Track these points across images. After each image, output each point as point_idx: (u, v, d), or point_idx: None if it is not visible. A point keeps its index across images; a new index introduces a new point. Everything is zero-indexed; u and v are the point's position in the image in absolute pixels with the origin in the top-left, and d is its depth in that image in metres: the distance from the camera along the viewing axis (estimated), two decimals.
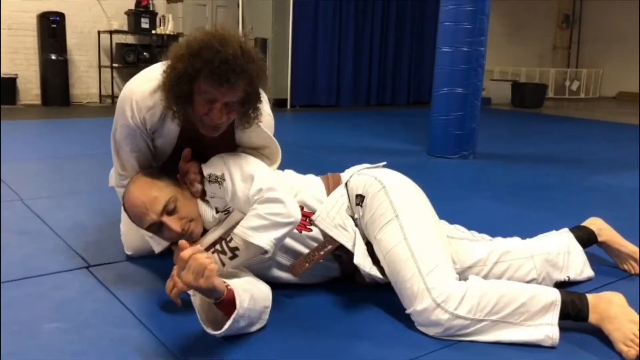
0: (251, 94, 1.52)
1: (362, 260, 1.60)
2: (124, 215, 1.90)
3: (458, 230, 1.80)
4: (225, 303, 1.36)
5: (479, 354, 1.41)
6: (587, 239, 1.93)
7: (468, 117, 4.00)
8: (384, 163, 1.84)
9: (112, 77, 6.96)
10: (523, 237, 1.89)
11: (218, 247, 1.52)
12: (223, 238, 1.57)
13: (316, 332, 1.51)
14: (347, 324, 1.56)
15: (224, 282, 1.37)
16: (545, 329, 1.44)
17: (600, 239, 1.94)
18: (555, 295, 1.48)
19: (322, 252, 1.62)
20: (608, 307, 1.47)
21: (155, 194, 1.57)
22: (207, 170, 1.62)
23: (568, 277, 1.80)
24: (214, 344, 1.41)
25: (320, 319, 1.58)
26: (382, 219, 1.60)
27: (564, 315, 1.47)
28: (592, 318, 1.48)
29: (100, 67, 6.96)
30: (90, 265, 1.92)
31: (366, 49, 7.87)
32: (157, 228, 1.60)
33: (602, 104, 9.73)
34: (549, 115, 7.67)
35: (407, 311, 1.51)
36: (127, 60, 6.91)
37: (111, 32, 6.81)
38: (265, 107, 1.66)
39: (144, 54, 6.99)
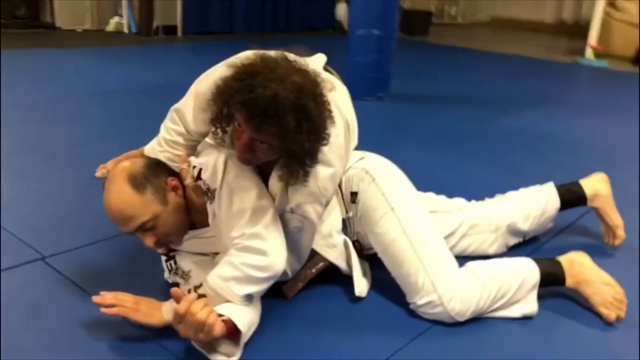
0: (290, 149, 1.29)
1: (363, 289, 1.62)
2: None
3: (432, 201, 1.86)
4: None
5: (461, 333, 1.51)
6: (570, 200, 1.98)
7: (384, 59, 4.04)
8: (363, 156, 1.77)
9: None
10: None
11: (187, 293, 1.38)
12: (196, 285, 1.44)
13: (306, 324, 1.53)
14: (332, 313, 1.59)
15: (221, 317, 1.29)
16: (527, 306, 1.57)
17: (591, 203, 1.97)
18: (536, 277, 1.59)
19: (313, 270, 1.60)
20: (582, 270, 1.62)
21: (131, 213, 1.41)
22: (205, 175, 1.45)
23: (524, 237, 1.94)
24: None
25: (303, 311, 1.59)
26: (377, 212, 1.60)
27: (543, 284, 1.60)
28: (569, 282, 1.63)
29: None
30: (45, 257, 1.76)
31: None
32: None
33: (479, 30, 10.18)
34: (436, 44, 7.91)
35: (409, 301, 1.56)
36: None
37: None
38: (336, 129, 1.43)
39: None
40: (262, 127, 1.25)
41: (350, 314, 1.58)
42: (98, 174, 2.39)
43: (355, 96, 1.58)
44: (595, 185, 1.99)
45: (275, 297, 1.57)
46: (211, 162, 1.44)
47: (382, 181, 1.63)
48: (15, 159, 2.54)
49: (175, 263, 1.57)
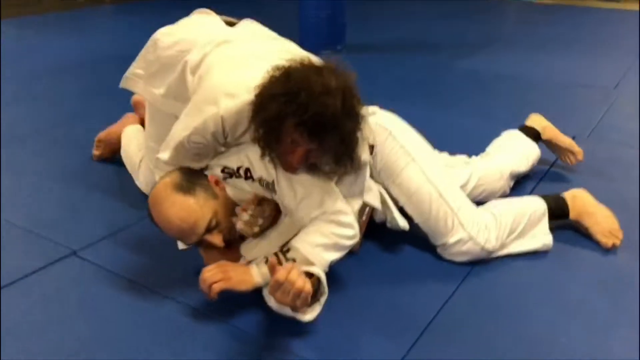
0: (343, 153, 1.37)
1: (403, 222, 1.72)
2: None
3: (440, 157, 1.98)
4: None
5: (497, 272, 1.69)
6: (533, 139, 2.20)
7: (338, 13, 4.07)
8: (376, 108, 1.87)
9: None
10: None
11: (273, 257, 1.45)
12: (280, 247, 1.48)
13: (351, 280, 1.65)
14: (372, 269, 1.71)
15: None
16: (542, 238, 1.76)
17: (543, 137, 2.21)
18: (544, 207, 1.79)
19: (364, 218, 1.68)
20: (583, 204, 1.83)
21: (194, 218, 1.43)
22: (257, 172, 1.49)
23: (518, 177, 2.13)
24: (240, 300, 1.48)
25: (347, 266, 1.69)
26: (398, 163, 1.71)
27: (550, 217, 1.79)
28: (572, 215, 1.84)
29: None
30: (76, 251, 1.77)
31: None
32: (196, 243, 1.52)
33: None
34: None
35: (438, 243, 1.71)
36: None
37: None
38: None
39: None
40: (326, 140, 1.33)
41: (387, 269, 1.72)
42: (97, 152, 2.36)
43: (312, 51, 1.66)
44: (537, 121, 2.24)
45: None
46: (254, 158, 1.47)
47: (399, 134, 1.74)
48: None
49: None
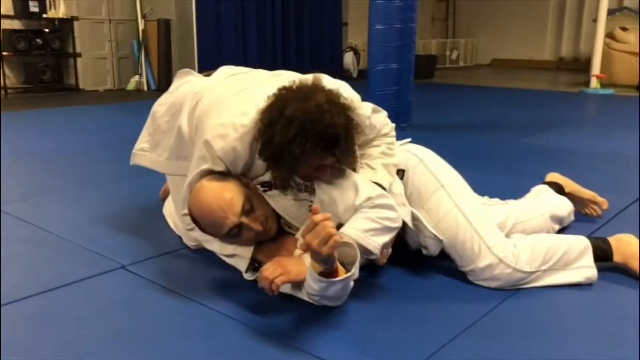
0: (351, 144, 1.55)
1: (436, 242, 1.73)
2: (174, 214, 1.97)
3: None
4: (328, 274, 1.44)
5: (537, 298, 1.62)
6: (559, 192, 2.20)
7: (404, 91, 4.23)
8: (409, 140, 1.97)
9: (2, 67, 6.38)
10: (500, 196, 2.12)
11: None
12: None
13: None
14: (409, 291, 1.70)
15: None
16: (585, 271, 1.69)
17: (566, 190, 2.21)
18: (586, 242, 1.73)
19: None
20: (629, 247, 1.74)
21: (230, 195, 1.53)
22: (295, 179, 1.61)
23: (560, 224, 2.08)
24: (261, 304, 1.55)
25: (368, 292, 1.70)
26: (427, 189, 1.75)
27: (594, 258, 1.71)
28: (617, 258, 1.74)
29: None
30: (125, 265, 1.88)
31: (269, 24, 7.86)
32: (235, 232, 1.57)
33: (481, 71, 10.52)
34: (443, 84, 8.18)
35: (467, 269, 1.68)
36: (18, 47, 6.38)
37: None
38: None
39: (36, 40, 6.49)
40: (343, 146, 1.48)
41: (418, 288, 1.70)
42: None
43: None
44: (557, 177, 2.26)
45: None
46: None
47: (430, 163, 1.80)
48: (76, 192, 2.72)
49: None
